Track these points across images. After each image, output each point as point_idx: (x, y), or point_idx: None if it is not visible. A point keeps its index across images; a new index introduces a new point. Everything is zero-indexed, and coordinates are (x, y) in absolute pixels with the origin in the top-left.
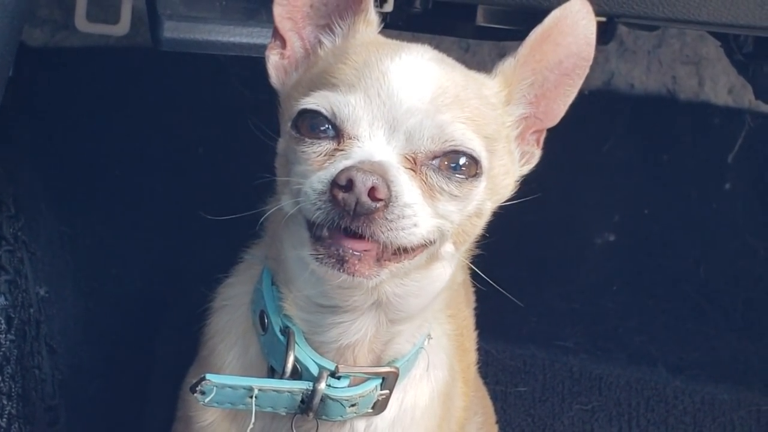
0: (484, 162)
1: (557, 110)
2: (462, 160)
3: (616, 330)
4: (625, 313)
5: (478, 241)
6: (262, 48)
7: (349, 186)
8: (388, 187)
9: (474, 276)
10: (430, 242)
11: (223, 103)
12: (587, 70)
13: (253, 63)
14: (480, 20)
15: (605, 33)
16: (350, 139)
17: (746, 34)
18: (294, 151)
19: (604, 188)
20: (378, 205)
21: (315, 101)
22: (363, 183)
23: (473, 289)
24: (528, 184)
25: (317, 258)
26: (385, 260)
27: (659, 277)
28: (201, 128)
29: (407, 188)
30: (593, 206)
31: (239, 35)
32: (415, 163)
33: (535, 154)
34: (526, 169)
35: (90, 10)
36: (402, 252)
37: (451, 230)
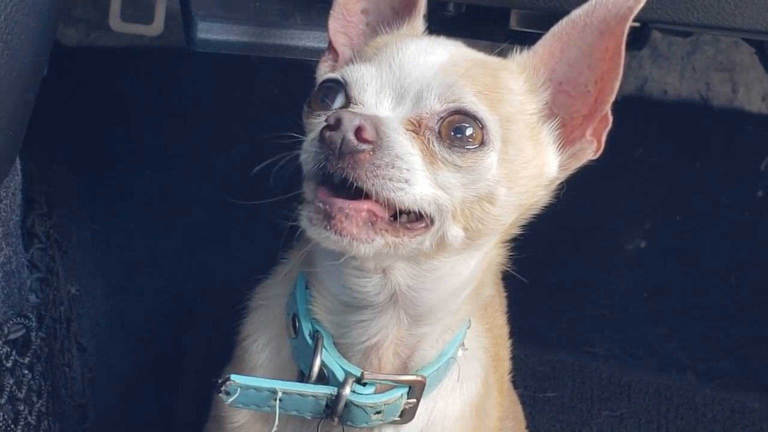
0: (492, 130)
1: (604, 94)
2: (468, 131)
3: (646, 337)
4: (655, 320)
5: (510, 248)
6: (296, 50)
7: (337, 124)
8: (378, 133)
9: (503, 280)
10: (429, 218)
11: (255, 105)
12: (623, 31)
13: (287, 65)
14: (514, 24)
15: (639, 39)
16: (356, 105)
17: None
18: (305, 126)
19: (635, 194)
20: (364, 146)
21: (333, 74)
22: (350, 121)
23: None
24: (559, 189)
25: (309, 218)
26: (380, 228)
27: (690, 284)
28: (233, 129)
29: (403, 143)
30: (624, 212)
31: (273, 37)
32: (419, 126)
33: (587, 150)
34: (575, 164)
35: (124, 10)
36: (399, 222)
37: (452, 207)
